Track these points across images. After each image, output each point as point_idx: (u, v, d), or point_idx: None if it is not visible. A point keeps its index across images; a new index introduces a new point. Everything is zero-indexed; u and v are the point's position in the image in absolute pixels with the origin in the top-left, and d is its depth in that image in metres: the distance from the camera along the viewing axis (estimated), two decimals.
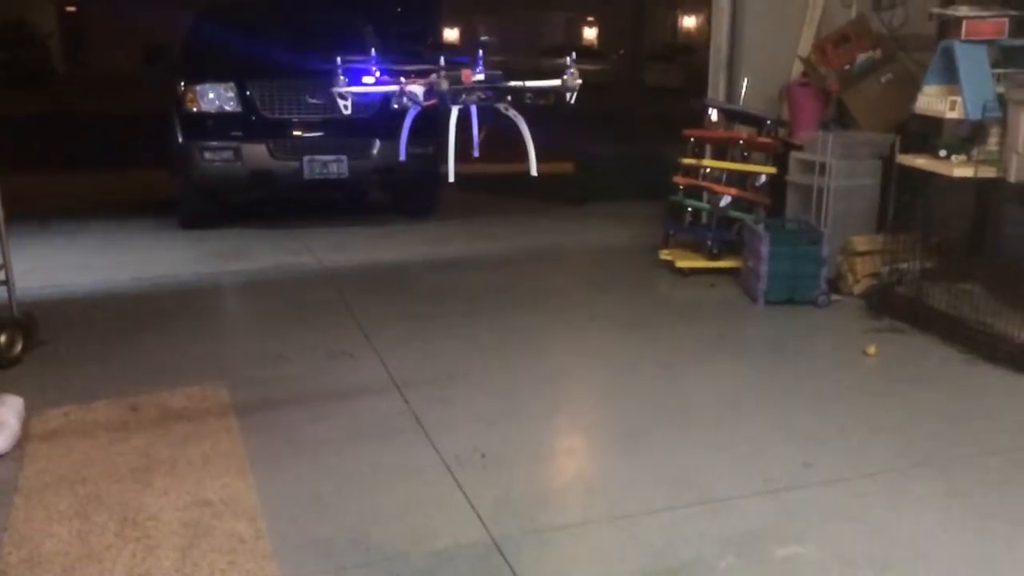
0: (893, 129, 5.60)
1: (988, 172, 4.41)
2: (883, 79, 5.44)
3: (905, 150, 5.22)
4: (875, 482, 3.19)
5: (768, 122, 5.64)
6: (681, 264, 5.72)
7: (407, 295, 5.53)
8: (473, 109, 2.93)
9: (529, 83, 2.93)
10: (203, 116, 7.26)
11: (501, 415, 3.78)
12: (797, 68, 6.36)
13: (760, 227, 5.25)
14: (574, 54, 2.89)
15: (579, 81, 2.94)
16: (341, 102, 2.80)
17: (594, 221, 7.93)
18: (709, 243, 5.70)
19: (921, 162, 4.68)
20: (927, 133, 5.25)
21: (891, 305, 4.92)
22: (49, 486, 3.17)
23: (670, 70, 32.24)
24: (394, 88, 2.83)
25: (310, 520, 2.94)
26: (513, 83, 2.90)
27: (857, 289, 5.26)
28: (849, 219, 5.37)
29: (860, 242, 5.25)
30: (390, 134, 7.67)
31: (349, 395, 3.98)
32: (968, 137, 4.66)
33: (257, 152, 7.21)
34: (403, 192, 8.15)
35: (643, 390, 4.03)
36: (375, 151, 7.45)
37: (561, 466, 3.47)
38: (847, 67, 5.61)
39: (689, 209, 5.87)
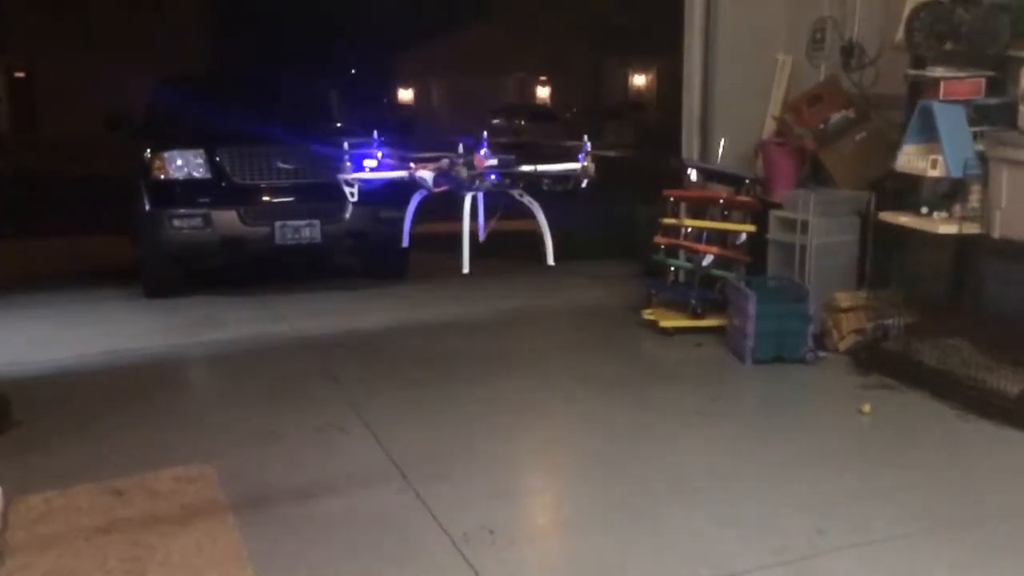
0: (867, 186, 5.69)
1: (972, 228, 4.48)
2: (857, 137, 5.55)
3: (883, 207, 5.32)
4: (890, 550, 3.13)
5: (747, 180, 5.69)
6: (665, 324, 5.70)
7: (389, 364, 5.41)
8: (480, 196, 2.82)
9: (543, 167, 2.81)
10: (171, 183, 7.14)
11: (503, 490, 3.67)
12: (769, 127, 6.47)
13: (745, 286, 5.26)
14: (587, 139, 2.76)
15: (593, 166, 2.82)
16: (348, 189, 2.66)
17: (568, 280, 7.89)
18: (693, 302, 5.70)
19: (904, 220, 4.75)
20: (902, 190, 5.35)
21: (879, 361, 4.94)
22: None
23: (623, 127, 32.89)
24: (402, 174, 2.69)
25: None
26: (527, 168, 2.79)
27: (842, 345, 5.28)
28: (830, 275, 5.42)
29: (843, 298, 5.28)
30: (362, 198, 7.69)
31: (345, 473, 3.83)
32: (948, 194, 4.74)
33: (227, 218, 7.10)
34: (375, 256, 8.07)
35: (640, 458, 3.95)
36: (347, 215, 7.38)
37: (572, 543, 3.35)
38: (821, 126, 5.70)
39: (672, 268, 5.88)
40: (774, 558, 3.06)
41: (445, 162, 2.73)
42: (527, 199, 2.78)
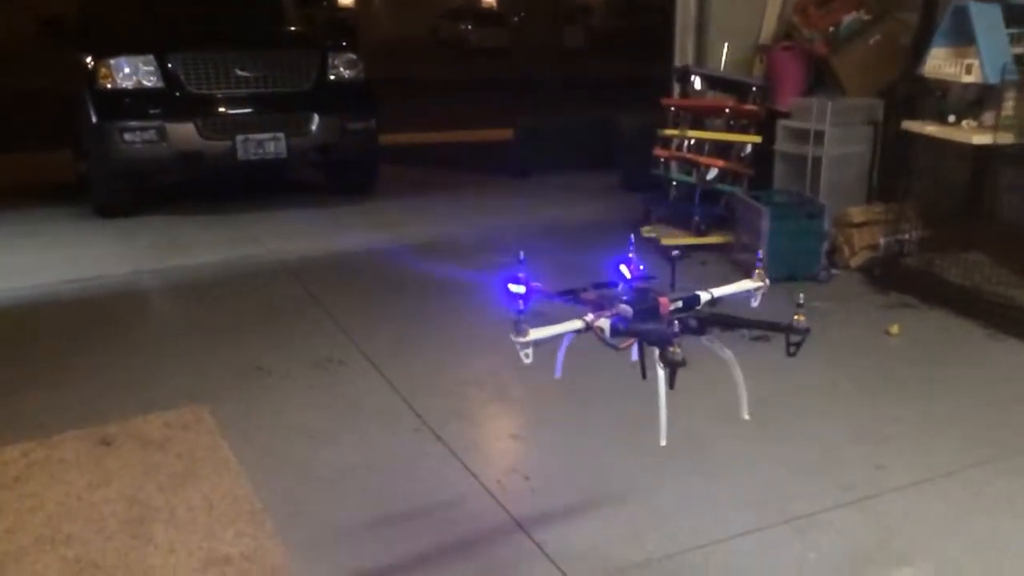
0: (878, 94, 5.42)
1: (1006, 138, 4.23)
2: (871, 41, 5.23)
3: (894, 115, 5.06)
4: (957, 483, 2.95)
5: (754, 88, 5.36)
6: (667, 242, 5.41)
7: (380, 289, 5.05)
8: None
9: (720, 291, 2.25)
10: (119, 93, 6.56)
11: (528, 427, 3.41)
12: (767, 29, 6.11)
13: (755, 201, 4.98)
14: (802, 296, 2.15)
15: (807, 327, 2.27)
16: (522, 351, 2.03)
17: (548, 195, 7.57)
18: (696, 219, 5.41)
19: (932, 129, 4.48)
20: (915, 96, 5.09)
21: (898, 278, 4.74)
22: (27, 551, 2.64)
23: (573, 32, 32.07)
24: (579, 325, 2.06)
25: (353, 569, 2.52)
26: (727, 315, 2.22)
27: (854, 262, 5.07)
28: (840, 189, 5.18)
29: (856, 213, 5.05)
30: (330, 108, 7.21)
31: (353, 412, 3.52)
32: (976, 101, 4.47)
33: (184, 132, 6.57)
34: (344, 171, 7.62)
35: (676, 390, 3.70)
36: (314, 127, 6.92)
37: (619, 489, 3.07)
38: (831, 28, 5.37)
39: (673, 184, 5.57)
40: (842, 498, 2.86)
41: (623, 308, 2.15)
42: (725, 352, 2.23)
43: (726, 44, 5.67)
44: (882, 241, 4.97)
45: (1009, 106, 4.23)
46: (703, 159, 5.37)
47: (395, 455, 3.19)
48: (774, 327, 2.16)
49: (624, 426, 3.32)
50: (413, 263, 5.51)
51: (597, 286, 2.29)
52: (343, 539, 2.69)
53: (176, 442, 3.30)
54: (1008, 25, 4.23)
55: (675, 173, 5.58)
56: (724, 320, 2.20)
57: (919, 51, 5.06)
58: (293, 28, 8.02)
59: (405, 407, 3.55)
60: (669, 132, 5.54)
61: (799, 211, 5.00)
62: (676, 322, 2.12)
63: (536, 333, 2.00)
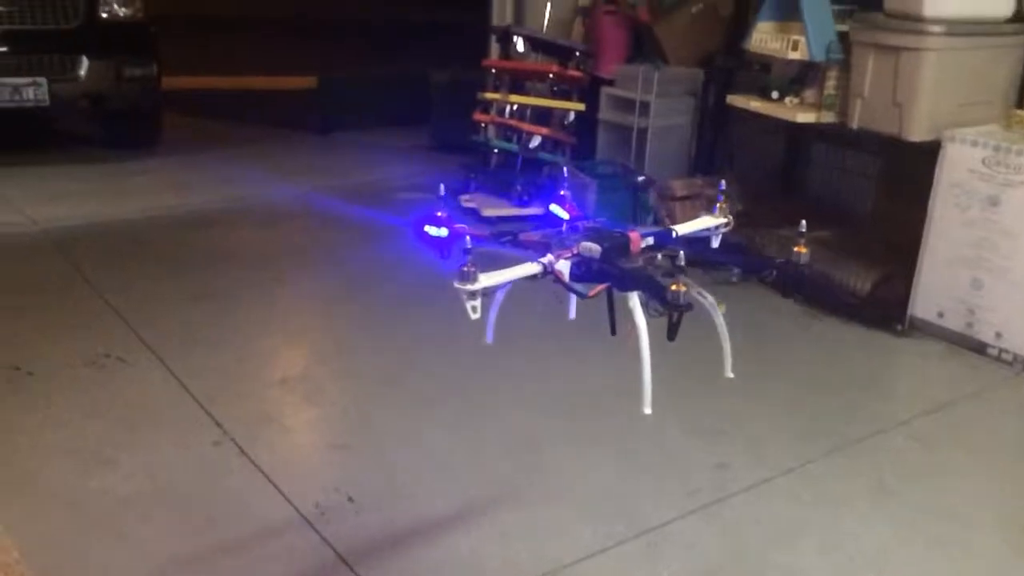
0: (697, 64, 5.33)
1: (828, 118, 4.21)
2: (694, 10, 5.10)
3: (717, 88, 5.00)
4: (798, 481, 2.86)
5: (578, 53, 5.11)
6: (488, 213, 5.11)
7: (167, 266, 4.40)
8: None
9: (683, 228, 1.92)
10: None
11: (351, 434, 3.01)
12: None
13: (582, 172, 4.76)
14: (804, 224, 1.86)
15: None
16: (470, 304, 1.65)
17: (354, 155, 7.04)
18: (519, 189, 5.13)
19: (756, 105, 4.41)
20: (734, 69, 5.04)
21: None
22: None
23: None
24: (536, 269, 1.74)
25: None
26: (711, 252, 1.89)
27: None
28: (664, 161, 5.06)
29: (679, 187, 4.94)
30: (102, 51, 6.31)
31: (137, 422, 2.98)
32: (797, 78, 4.43)
33: None
34: (120, 123, 6.74)
35: (511, 381, 3.42)
36: (83, 72, 6.03)
37: (456, 507, 2.75)
38: None
39: (496, 152, 5.24)
40: (689, 504, 2.68)
41: (589, 246, 1.79)
42: (708, 299, 1.94)
43: (548, 4, 5.38)
44: (703, 215, 4.89)
45: (831, 85, 4.20)
46: (526, 126, 5.08)
47: (190, 477, 2.70)
48: (769, 264, 1.90)
49: (465, 425, 3.01)
50: (203, 234, 4.89)
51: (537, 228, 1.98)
52: None
53: None
54: (833, 2, 4.19)
55: (495, 140, 5.26)
56: (710, 258, 1.92)
57: (740, 23, 5.00)
58: None
59: (201, 413, 3.05)
60: (490, 96, 5.20)
61: (625, 183, 4.83)
62: (651, 263, 1.82)
63: (487, 279, 1.67)
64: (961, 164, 3.71)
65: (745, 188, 4.96)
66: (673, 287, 1.65)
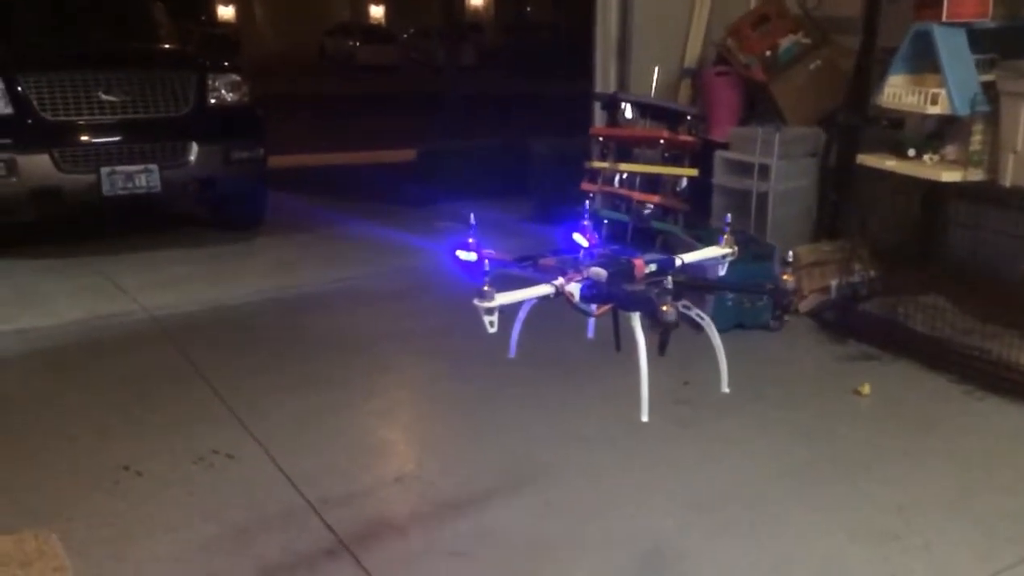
0: (816, 123, 5.04)
1: (976, 175, 3.86)
2: (812, 66, 4.84)
3: (840, 147, 4.69)
4: None
5: (689, 117, 4.88)
6: None
7: (274, 352, 4.28)
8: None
9: (688, 257, 2.16)
10: None
11: (472, 541, 2.77)
12: (692, 52, 5.68)
13: (700, 242, 4.49)
14: (791, 254, 2.14)
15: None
16: (487, 319, 1.85)
17: (457, 230, 6.92)
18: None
19: (892, 164, 4.08)
20: (858, 126, 4.73)
21: (856, 326, 4.32)
22: None
23: (465, 49, 31.57)
24: (548, 291, 1.97)
25: None
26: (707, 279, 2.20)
27: (803, 307, 4.63)
28: (787, 226, 4.75)
29: (805, 253, 4.62)
30: (211, 136, 6.41)
31: (249, 532, 2.81)
32: (936, 133, 4.10)
33: (38, 164, 5.69)
34: (228, 205, 6.82)
35: (615, 453, 3.15)
36: (192, 157, 6.12)
37: None
38: (768, 52, 4.95)
39: (605, 222, 5.02)
40: None
41: (595, 272, 2.01)
42: (705, 320, 2.17)
43: (656, 69, 5.18)
44: (833, 284, 4.56)
45: (978, 140, 3.85)
46: (637, 194, 4.86)
47: None
48: (759, 289, 2.08)
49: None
50: (309, 318, 4.78)
51: (555, 254, 2.23)
52: None
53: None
54: (973, 51, 3.86)
55: (604, 210, 5.05)
56: (704, 284, 2.21)
57: (861, 77, 4.71)
58: (167, 45, 7.18)
59: (312, 516, 2.86)
60: (598, 164, 5.00)
61: (746, 252, 4.52)
62: (653, 286, 2.01)
63: (503, 298, 1.88)
64: None
65: (878, 252, 4.62)
66: (664, 307, 1.83)
